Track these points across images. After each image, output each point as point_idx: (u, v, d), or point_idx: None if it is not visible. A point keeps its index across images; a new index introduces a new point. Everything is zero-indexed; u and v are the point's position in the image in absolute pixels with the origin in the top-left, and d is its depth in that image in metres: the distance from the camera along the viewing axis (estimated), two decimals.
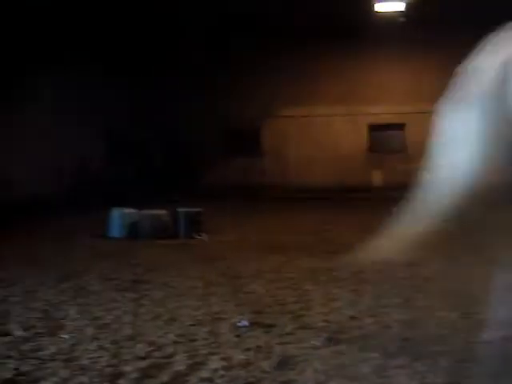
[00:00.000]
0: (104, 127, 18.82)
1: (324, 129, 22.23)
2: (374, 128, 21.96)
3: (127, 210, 10.70)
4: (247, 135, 22.51)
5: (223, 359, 4.28)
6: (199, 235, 10.26)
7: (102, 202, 14.36)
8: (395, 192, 5.77)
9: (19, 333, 4.99)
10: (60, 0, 15.16)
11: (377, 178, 21.16)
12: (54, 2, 15.05)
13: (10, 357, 4.38)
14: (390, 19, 18.16)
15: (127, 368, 4.13)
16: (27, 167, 15.59)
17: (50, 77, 16.77)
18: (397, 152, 21.51)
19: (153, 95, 20.54)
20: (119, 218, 10.47)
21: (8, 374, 4.04)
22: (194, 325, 5.15)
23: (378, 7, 16.95)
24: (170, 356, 4.37)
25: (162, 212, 10.63)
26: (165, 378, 3.96)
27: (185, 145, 22.26)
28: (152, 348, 4.55)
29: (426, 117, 4.96)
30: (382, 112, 21.59)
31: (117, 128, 19.31)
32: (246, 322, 5.09)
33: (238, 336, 4.80)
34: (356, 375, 3.96)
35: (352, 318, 5.32)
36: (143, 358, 4.32)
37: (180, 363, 4.22)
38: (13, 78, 15.13)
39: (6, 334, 4.95)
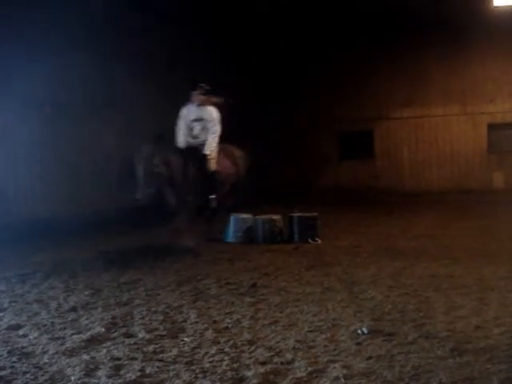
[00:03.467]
0: None
1: (439, 130, 21.59)
2: (494, 127, 21.01)
3: (242, 216, 10.83)
4: (359, 138, 22.30)
5: (344, 367, 4.20)
6: (314, 240, 10.21)
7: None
8: None
9: (143, 335, 5.14)
10: None
11: (497, 180, 20.25)
12: None
13: (134, 358, 4.52)
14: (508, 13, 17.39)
15: (248, 373, 4.15)
16: None
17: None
18: None
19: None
20: (235, 222, 10.62)
21: (133, 376, 4.16)
22: (312, 331, 5.10)
23: (497, 1, 16.27)
24: (290, 362, 4.35)
25: (276, 217, 10.67)
26: None
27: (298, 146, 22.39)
28: (271, 353, 4.54)
29: None
30: (503, 111, 20.65)
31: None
32: (365, 330, 4.98)
33: (358, 344, 4.70)
34: None
35: (477, 327, 5.06)
36: (263, 364, 4.32)
37: (300, 370, 4.18)
38: None
39: (131, 336, 5.12)
